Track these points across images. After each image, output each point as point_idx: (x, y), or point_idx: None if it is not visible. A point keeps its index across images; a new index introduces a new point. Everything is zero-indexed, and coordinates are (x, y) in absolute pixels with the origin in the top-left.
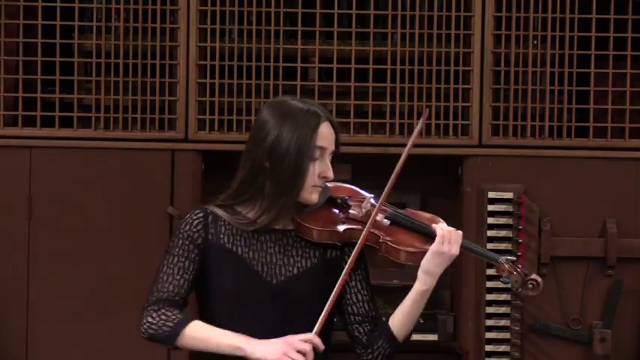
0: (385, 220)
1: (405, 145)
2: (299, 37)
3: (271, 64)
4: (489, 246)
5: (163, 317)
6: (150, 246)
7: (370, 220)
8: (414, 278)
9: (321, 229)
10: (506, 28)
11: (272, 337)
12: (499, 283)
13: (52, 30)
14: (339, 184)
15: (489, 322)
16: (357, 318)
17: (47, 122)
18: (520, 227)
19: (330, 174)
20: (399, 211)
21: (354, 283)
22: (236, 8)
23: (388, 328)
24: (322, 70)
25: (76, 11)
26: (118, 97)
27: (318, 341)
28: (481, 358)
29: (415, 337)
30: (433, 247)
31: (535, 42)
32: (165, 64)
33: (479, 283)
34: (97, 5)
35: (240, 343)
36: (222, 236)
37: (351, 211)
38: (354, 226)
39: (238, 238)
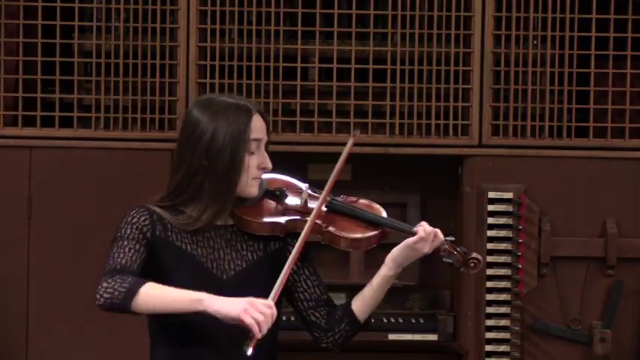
0: (324, 208)
1: (404, 146)
2: (299, 37)
3: (271, 64)
4: (489, 246)
5: (118, 280)
6: None
7: (316, 209)
8: (414, 278)
9: (263, 221)
10: (506, 28)
11: (229, 335)
12: (499, 283)
13: (52, 30)
14: (273, 175)
15: (489, 322)
16: (310, 303)
17: (47, 122)
18: (520, 227)
19: (269, 164)
20: (338, 199)
21: (301, 270)
22: (236, 8)
23: (351, 311)
24: (322, 70)
25: (76, 11)
26: (118, 97)
27: (274, 310)
28: (481, 358)
29: (415, 337)
30: (409, 241)
31: (535, 42)
32: (166, 64)
33: (479, 283)
34: (97, 5)
35: (200, 295)
36: (169, 233)
37: (289, 202)
38: (296, 217)
39: (185, 235)
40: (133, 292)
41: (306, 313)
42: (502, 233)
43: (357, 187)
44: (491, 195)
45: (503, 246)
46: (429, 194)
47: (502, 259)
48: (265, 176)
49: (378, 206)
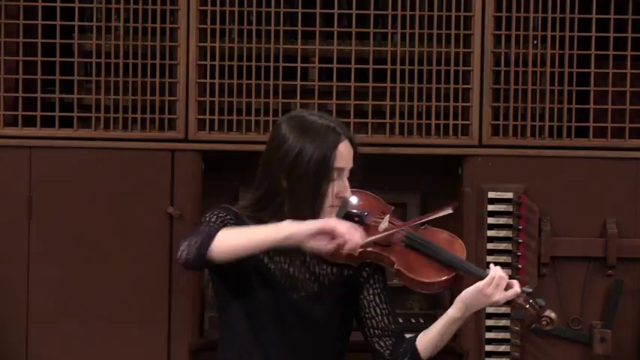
0: (401, 244)
1: (404, 146)
2: (299, 37)
3: (271, 64)
4: (489, 246)
5: (195, 237)
6: (150, 246)
7: (375, 237)
8: None
9: (338, 252)
10: (506, 28)
11: (294, 356)
12: None
13: (52, 30)
14: (360, 192)
15: (489, 322)
16: (376, 332)
17: (47, 122)
18: (520, 227)
19: (348, 194)
20: (417, 235)
21: (372, 297)
22: (236, 8)
23: (415, 348)
24: (322, 70)
25: (76, 11)
26: (118, 97)
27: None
28: (481, 358)
29: None
30: (480, 285)
31: (535, 42)
32: (165, 64)
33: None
34: (97, 5)
35: (280, 225)
36: None
37: (368, 230)
38: (370, 249)
39: None
40: (211, 235)
41: (371, 340)
42: (502, 233)
43: (357, 188)
44: (491, 195)
45: (503, 246)
46: (429, 194)
47: (502, 259)
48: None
49: (460, 243)
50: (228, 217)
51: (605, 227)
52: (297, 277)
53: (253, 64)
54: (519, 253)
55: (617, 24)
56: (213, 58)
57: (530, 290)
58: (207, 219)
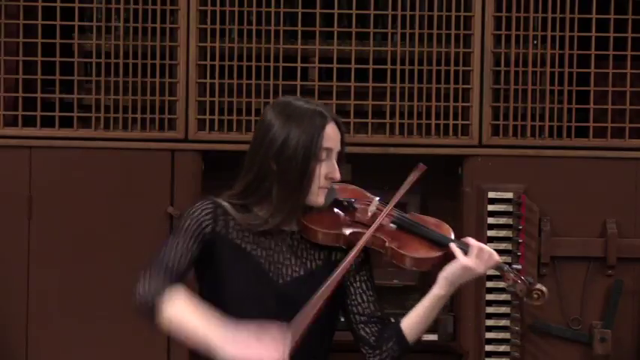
0: (392, 225)
1: (404, 146)
2: (299, 37)
3: (271, 64)
4: (489, 246)
5: (154, 286)
6: (150, 246)
7: (375, 224)
8: (413, 279)
9: (327, 231)
10: (506, 28)
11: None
12: (499, 282)
13: (52, 30)
14: (345, 185)
15: (489, 322)
16: (362, 318)
17: (47, 122)
18: (520, 227)
19: (337, 175)
20: (406, 215)
21: (358, 283)
22: (236, 8)
23: (400, 330)
24: (322, 70)
25: (76, 11)
26: (118, 97)
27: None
28: (481, 358)
29: None
30: (463, 261)
31: (535, 42)
32: (165, 64)
33: (479, 284)
34: (97, 5)
35: (215, 340)
36: (230, 230)
37: (357, 214)
38: (361, 230)
39: (247, 234)
40: (158, 305)
41: (356, 326)
42: (502, 233)
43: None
44: (491, 195)
45: (503, 246)
46: (429, 194)
47: (502, 259)
48: (336, 184)
49: (446, 226)
50: (209, 216)
51: (605, 227)
52: (282, 262)
53: (253, 64)
54: (519, 253)
55: (617, 24)
56: (213, 58)
57: (520, 267)
58: (182, 223)
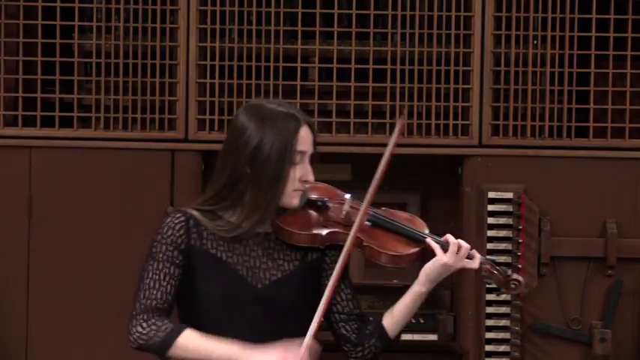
0: (367, 223)
1: (404, 146)
2: (299, 37)
3: (271, 64)
4: (489, 246)
5: (154, 327)
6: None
7: (356, 225)
8: (413, 278)
9: (303, 232)
10: (506, 28)
11: (261, 344)
12: None
13: (52, 30)
14: (315, 183)
15: (489, 322)
16: (342, 316)
17: (47, 122)
18: (520, 227)
19: (311, 177)
20: (379, 212)
21: (338, 282)
22: (236, 8)
23: (382, 327)
24: (322, 70)
25: (76, 11)
26: (118, 97)
27: (317, 347)
28: (481, 358)
29: (415, 337)
30: (444, 258)
31: (535, 42)
32: (165, 64)
33: (479, 283)
34: (97, 5)
35: (234, 353)
36: (205, 241)
37: (331, 213)
38: (337, 229)
39: (221, 242)
40: (169, 343)
41: (337, 325)
42: (502, 233)
43: (357, 187)
44: (491, 195)
45: (503, 246)
46: (429, 194)
47: (502, 259)
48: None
49: (419, 221)
50: (182, 231)
51: (605, 227)
52: (259, 267)
53: (253, 64)
54: (519, 253)
55: (617, 24)
56: (213, 58)
57: (495, 259)
58: (158, 248)
